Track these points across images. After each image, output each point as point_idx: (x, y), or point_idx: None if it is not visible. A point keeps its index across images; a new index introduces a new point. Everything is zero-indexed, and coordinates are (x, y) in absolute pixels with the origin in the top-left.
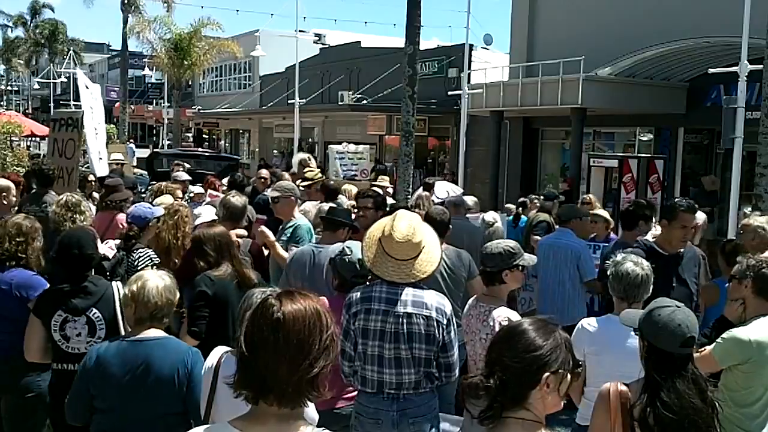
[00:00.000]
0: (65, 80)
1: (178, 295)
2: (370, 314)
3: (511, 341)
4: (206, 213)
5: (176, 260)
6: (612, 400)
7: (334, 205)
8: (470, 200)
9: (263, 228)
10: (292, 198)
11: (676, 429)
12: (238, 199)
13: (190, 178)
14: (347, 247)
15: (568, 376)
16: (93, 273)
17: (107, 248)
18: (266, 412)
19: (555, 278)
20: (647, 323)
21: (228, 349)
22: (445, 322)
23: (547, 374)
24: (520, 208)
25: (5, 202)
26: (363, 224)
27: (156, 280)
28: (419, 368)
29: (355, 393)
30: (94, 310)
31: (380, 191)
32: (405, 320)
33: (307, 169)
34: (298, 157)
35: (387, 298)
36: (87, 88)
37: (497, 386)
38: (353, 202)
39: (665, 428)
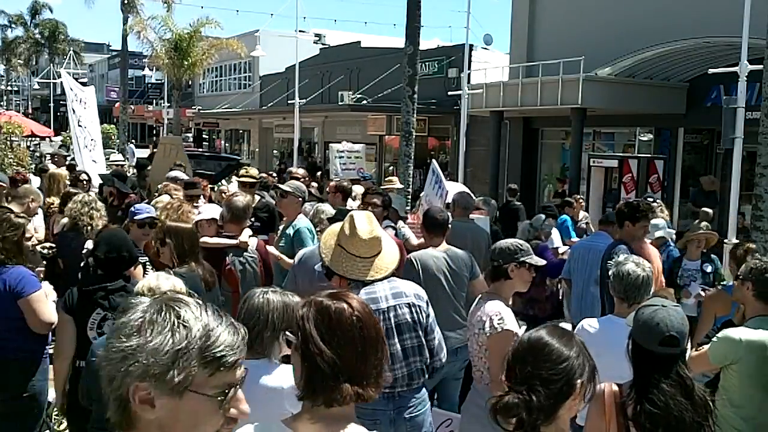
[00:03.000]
0: (63, 80)
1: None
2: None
3: (541, 353)
4: (208, 211)
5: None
6: (606, 400)
7: (336, 208)
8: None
9: (269, 248)
10: (300, 199)
11: (666, 426)
12: (241, 199)
13: (187, 177)
14: None
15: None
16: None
17: None
18: (323, 412)
19: (587, 280)
20: (633, 321)
21: None
22: (423, 305)
23: (579, 381)
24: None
25: (31, 206)
26: None
27: (150, 277)
28: (410, 359)
29: None
30: None
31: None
32: (391, 314)
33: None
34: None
35: (367, 298)
36: (72, 90)
37: (538, 402)
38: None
39: (656, 426)
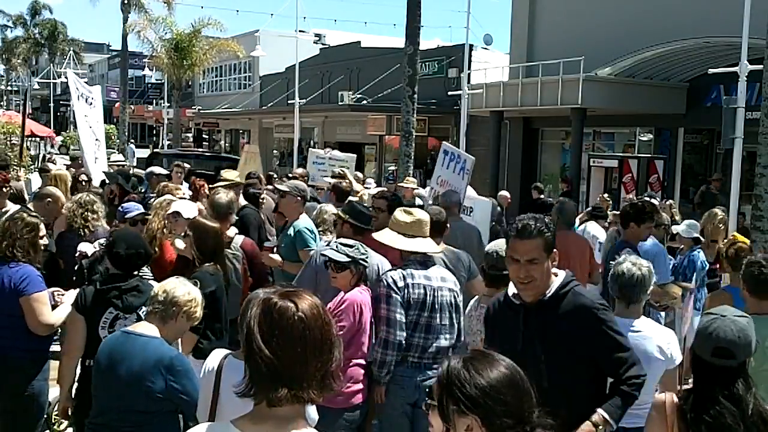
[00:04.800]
0: (65, 80)
1: (187, 298)
2: (414, 288)
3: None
4: (186, 208)
5: (156, 249)
6: (668, 410)
7: (358, 208)
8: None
9: (271, 255)
10: (298, 198)
11: None
12: (223, 197)
13: (166, 172)
14: (338, 243)
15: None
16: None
17: (88, 246)
18: (269, 412)
19: None
20: (696, 330)
21: (228, 351)
22: (457, 291)
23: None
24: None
25: (48, 207)
26: (375, 225)
27: (168, 281)
28: (442, 335)
29: (359, 392)
30: (144, 308)
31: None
32: (438, 292)
33: (227, 172)
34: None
35: (424, 275)
36: (78, 89)
37: None
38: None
39: None
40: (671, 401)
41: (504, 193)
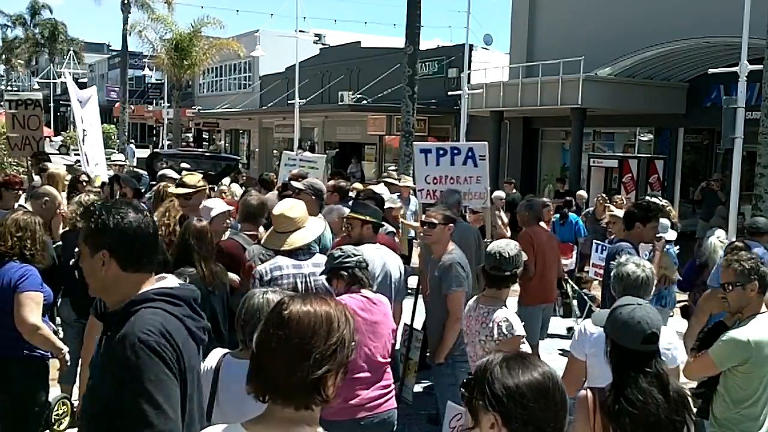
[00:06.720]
0: (65, 80)
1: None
2: (282, 279)
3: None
4: (218, 206)
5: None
6: (589, 405)
7: (374, 207)
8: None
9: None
10: (313, 197)
11: (645, 426)
12: (254, 198)
13: (179, 176)
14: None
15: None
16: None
17: None
18: (278, 414)
19: None
20: (610, 322)
21: (226, 351)
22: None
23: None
24: (566, 209)
25: (44, 207)
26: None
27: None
28: None
29: (378, 403)
30: None
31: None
32: (312, 278)
33: (188, 176)
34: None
35: (293, 264)
36: (73, 91)
37: None
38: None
39: (636, 425)
40: (592, 395)
41: (581, 192)
